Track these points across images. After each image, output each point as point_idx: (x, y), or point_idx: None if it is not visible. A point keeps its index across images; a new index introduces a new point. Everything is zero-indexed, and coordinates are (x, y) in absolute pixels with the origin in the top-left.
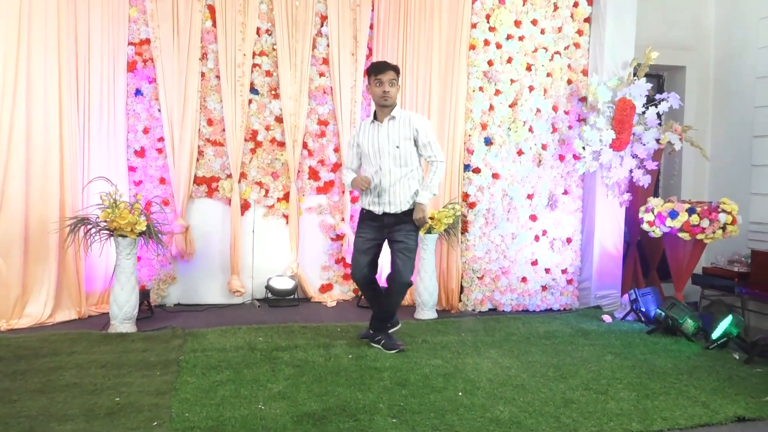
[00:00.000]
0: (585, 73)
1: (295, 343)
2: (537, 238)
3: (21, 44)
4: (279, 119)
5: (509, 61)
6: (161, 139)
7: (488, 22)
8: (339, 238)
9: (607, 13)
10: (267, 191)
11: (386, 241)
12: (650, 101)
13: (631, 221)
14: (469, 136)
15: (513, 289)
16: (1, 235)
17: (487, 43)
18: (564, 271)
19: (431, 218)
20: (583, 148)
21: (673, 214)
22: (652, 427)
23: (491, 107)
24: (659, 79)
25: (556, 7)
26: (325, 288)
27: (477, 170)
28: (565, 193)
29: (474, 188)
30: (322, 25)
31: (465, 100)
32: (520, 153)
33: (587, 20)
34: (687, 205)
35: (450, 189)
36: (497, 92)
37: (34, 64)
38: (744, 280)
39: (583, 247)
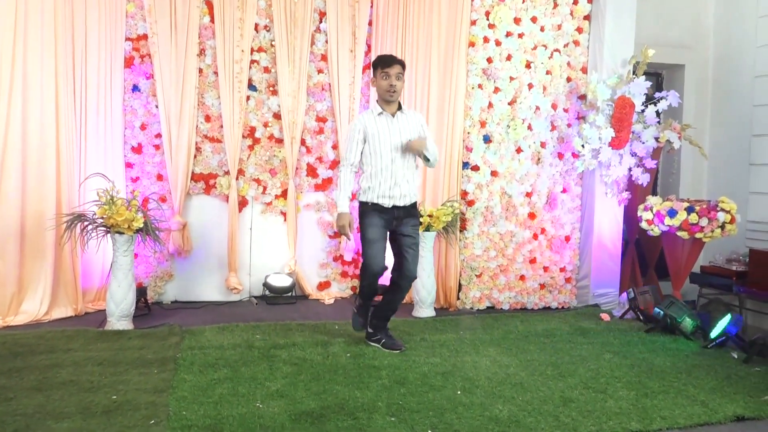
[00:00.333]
0: (584, 70)
1: (293, 341)
2: (535, 236)
3: (17, 39)
4: (277, 116)
5: (509, 58)
6: (158, 136)
7: (488, 19)
8: (337, 235)
9: (606, 11)
10: (265, 188)
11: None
12: (649, 99)
13: (630, 219)
14: (468, 133)
15: (511, 287)
16: None
17: (486, 40)
18: (562, 270)
19: (430, 215)
20: (582, 146)
21: (672, 213)
22: (651, 426)
23: (490, 105)
24: (658, 77)
25: (555, 5)
26: (323, 285)
27: (476, 168)
28: (564, 191)
29: (473, 186)
30: (320, 22)
31: (464, 98)
32: (519, 151)
33: (587, 18)
34: (686, 204)
35: (449, 187)
36: (496, 90)
37: (31, 59)
38: (742, 278)
39: (581, 245)
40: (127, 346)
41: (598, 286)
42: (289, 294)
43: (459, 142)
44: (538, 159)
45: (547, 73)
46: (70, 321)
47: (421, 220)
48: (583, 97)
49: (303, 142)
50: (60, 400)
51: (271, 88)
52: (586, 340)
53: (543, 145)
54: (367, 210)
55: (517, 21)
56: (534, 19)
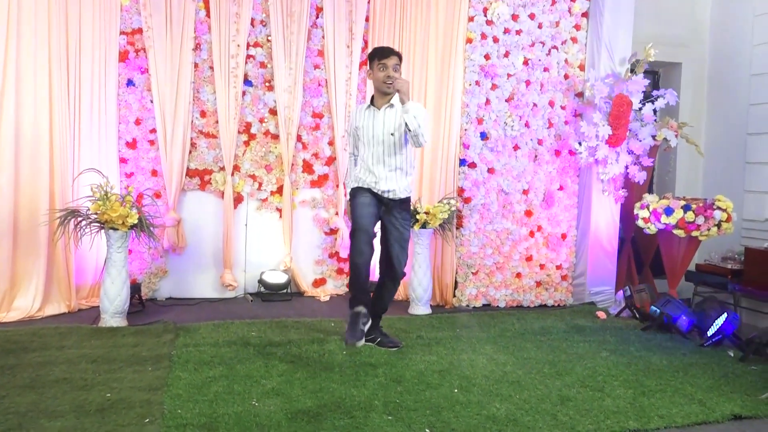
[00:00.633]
0: (582, 68)
1: (289, 339)
2: (532, 233)
3: (10, 33)
4: (273, 111)
5: (506, 55)
6: (153, 131)
7: (485, 16)
8: (333, 232)
9: (604, 9)
10: (260, 184)
11: (380, 222)
12: (647, 97)
13: (626, 217)
14: (465, 130)
15: (507, 284)
16: None
17: (484, 36)
18: (559, 267)
19: (426, 212)
20: (579, 143)
21: (669, 211)
22: (649, 425)
23: (488, 101)
24: (655, 75)
25: (553, 2)
26: (319, 282)
27: (473, 165)
28: (561, 188)
29: (469, 183)
30: (317, 17)
31: (461, 94)
32: (516, 148)
33: (585, 15)
34: (682, 202)
35: (445, 184)
36: (494, 87)
37: (24, 53)
38: (737, 277)
39: (578, 243)
40: (121, 343)
41: (595, 283)
42: (285, 291)
43: (456, 139)
44: (535, 156)
45: (545, 70)
46: (63, 318)
47: (417, 217)
48: (580, 95)
49: (299, 138)
50: (53, 398)
51: (267, 84)
52: (582, 338)
53: (540, 142)
54: (357, 190)
55: (515, 18)
56: (532, 16)
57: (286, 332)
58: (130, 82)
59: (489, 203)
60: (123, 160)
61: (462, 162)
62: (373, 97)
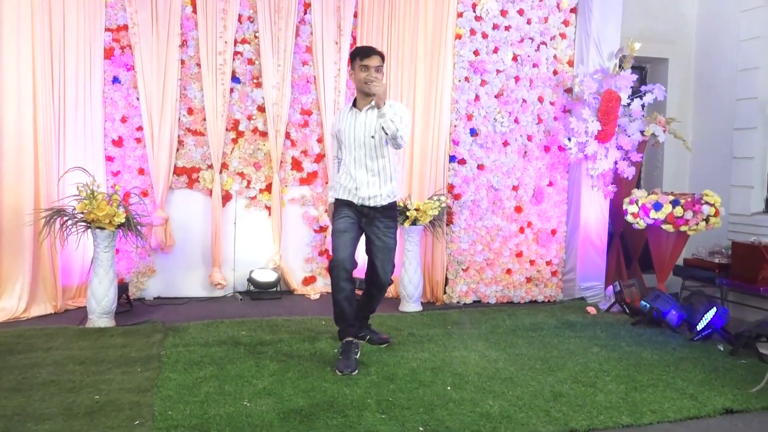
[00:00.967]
0: (571, 64)
1: (279, 337)
2: (522, 229)
3: None
4: (261, 108)
5: (495, 51)
6: (140, 129)
7: (474, 11)
8: (322, 229)
9: (593, 4)
10: (249, 182)
11: (363, 234)
12: (635, 93)
13: (615, 213)
14: (455, 126)
15: (498, 281)
16: None
17: (473, 32)
18: (549, 263)
19: (416, 209)
20: (569, 139)
21: (657, 206)
22: (642, 420)
23: (477, 98)
24: (642, 70)
25: None
26: (309, 280)
27: (462, 161)
28: (551, 184)
29: (459, 180)
30: (305, 13)
31: (451, 90)
32: (505, 144)
33: (573, 11)
34: (671, 197)
35: (435, 180)
36: (483, 83)
37: (6, 49)
38: (724, 271)
39: (567, 238)
40: (110, 344)
41: (584, 279)
42: (274, 289)
43: (446, 136)
44: (525, 152)
45: (534, 66)
46: (49, 319)
47: (407, 214)
48: (569, 91)
49: (288, 135)
50: (40, 401)
51: (255, 81)
52: (573, 333)
53: (530, 138)
54: (337, 204)
55: (503, 13)
56: (521, 12)
57: (276, 331)
58: (115, 80)
59: (479, 200)
60: (109, 159)
61: (452, 158)
62: (355, 99)
